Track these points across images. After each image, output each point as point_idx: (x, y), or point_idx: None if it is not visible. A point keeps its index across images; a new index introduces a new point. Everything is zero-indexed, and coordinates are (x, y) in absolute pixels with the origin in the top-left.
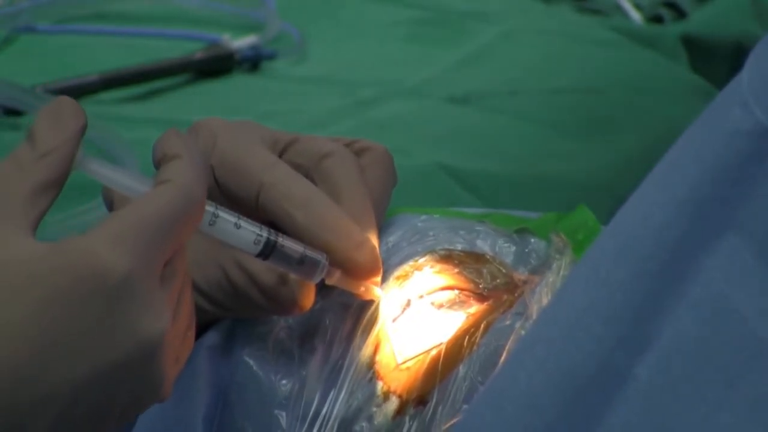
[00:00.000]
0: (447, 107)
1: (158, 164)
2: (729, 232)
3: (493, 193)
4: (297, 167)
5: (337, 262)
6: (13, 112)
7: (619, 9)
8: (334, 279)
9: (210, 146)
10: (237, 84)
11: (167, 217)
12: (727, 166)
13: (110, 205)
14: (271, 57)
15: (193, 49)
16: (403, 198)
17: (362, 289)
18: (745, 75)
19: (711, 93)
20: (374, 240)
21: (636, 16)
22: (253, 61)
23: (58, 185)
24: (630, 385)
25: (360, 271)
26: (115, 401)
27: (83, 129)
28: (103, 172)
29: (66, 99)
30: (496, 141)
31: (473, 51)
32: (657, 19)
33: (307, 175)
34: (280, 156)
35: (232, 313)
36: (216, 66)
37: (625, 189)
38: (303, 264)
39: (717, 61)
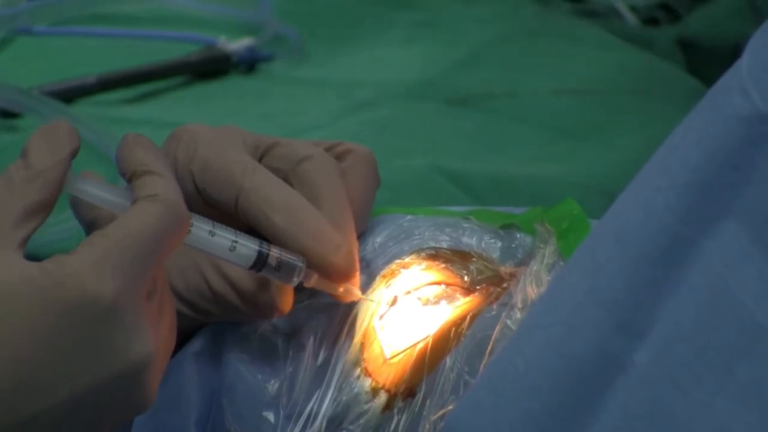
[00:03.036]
0: (445, 109)
1: (130, 178)
2: (727, 217)
3: (491, 195)
4: (275, 171)
5: (314, 265)
6: (10, 114)
7: (615, 11)
8: (312, 282)
9: (191, 153)
10: (233, 86)
11: (154, 235)
12: (726, 152)
13: (80, 216)
14: (268, 59)
15: (190, 51)
16: (401, 199)
17: (341, 290)
18: (745, 61)
19: None
20: (353, 242)
21: (632, 18)
22: (249, 63)
23: (48, 206)
24: (629, 371)
25: (335, 274)
26: (104, 417)
27: (75, 152)
28: (91, 192)
29: (62, 122)
30: (495, 143)
31: (471, 53)
32: (652, 22)
33: (285, 179)
34: (260, 160)
35: (214, 318)
36: (212, 68)
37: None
38: (280, 268)
39: (713, 63)
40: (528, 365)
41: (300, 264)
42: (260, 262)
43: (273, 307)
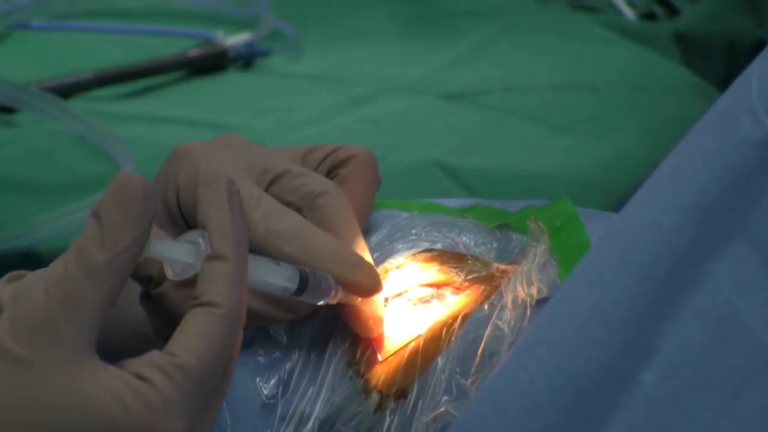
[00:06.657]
0: (442, 104)
1: (199, 223)
2: (736, 240)
3: (487, 190)
4: (286, 204)
5: (339, 284)
6: (7, 110)
7: (613, 6)
8: (337, 297)
9: (193, 180)
10: (231, 81)
11: (219, 359)
12: (736, 175)
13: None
14: (265, 54)
15: (187, 47)
16: (398, 195)
17: (359, 300)
18: (754, 83)
19: (705, 89)
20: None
21: (629, 13)
22: (246, 59)
23: (124, 286)
24: (634, 391)
25: (360, 291)
26: None
27: (152, 218)
28: (163, 254)
29: (136, 178)
30: (491, 138)
31: (468, 48)
32: (650, 16)
33: (298, 212)
34: (269, 187)
35: None
36: (210, 63)
37: (619, 185)
38: (316, 287)
39: (710, 57)
40: (531, 381)
41: (332, 281)
42: (303, 284)
43: (309, 307)
